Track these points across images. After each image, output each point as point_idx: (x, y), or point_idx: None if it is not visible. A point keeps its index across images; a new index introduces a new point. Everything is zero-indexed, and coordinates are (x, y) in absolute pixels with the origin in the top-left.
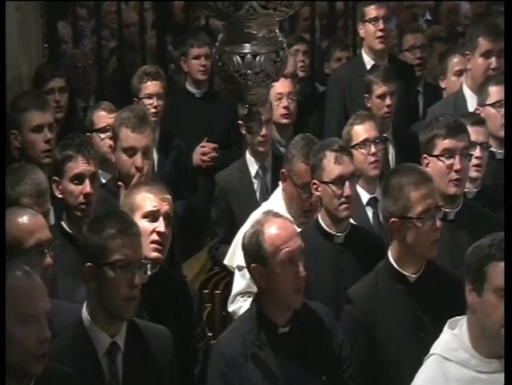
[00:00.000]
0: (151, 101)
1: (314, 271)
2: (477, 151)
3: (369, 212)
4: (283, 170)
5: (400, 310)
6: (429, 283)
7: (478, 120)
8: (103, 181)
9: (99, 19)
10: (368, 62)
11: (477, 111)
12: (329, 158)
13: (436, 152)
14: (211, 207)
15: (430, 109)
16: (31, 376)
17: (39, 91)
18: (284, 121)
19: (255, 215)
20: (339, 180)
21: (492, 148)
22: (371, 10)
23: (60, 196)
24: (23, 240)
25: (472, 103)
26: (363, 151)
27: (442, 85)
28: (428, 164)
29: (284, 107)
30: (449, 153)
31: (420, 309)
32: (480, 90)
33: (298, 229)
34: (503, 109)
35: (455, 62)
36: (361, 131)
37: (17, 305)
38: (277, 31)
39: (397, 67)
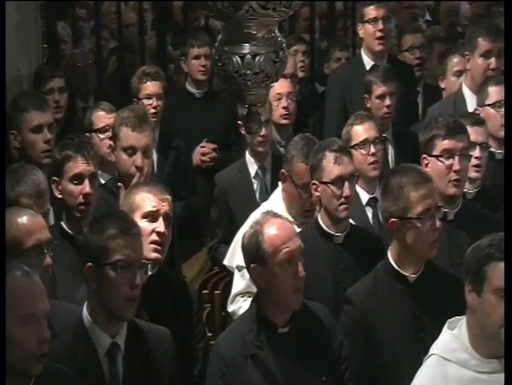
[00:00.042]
0: (150, 101)
1: (313, 271)
2: (476, 152)
3: (369, 212)
4: (283, 170)
5: (400, 310)
6: (429, 283)
7: (478, 120)
8: (103, 182)
9: (99, 19)
10: (368, 62)
11: (477, 112)
12: (328, 158)
13: (435, 153)
14: (210, 207)
15: (430, 109)
16: (30, 376)
17: (39, 92)
18: (283, 121)
19: (255, 215)
20: (339, 181)
21: (491, 149)
22: (371, 11)
23: (60, 196)
24: (23, 240)
25: (471, 104)
26: (362, 151)
27: (442, 85)
28: (427, 164)
29: (283, 108)
30: (448, 153)
31: (420, 309)
32: (479, 90)
33: (298, 229)
34: (503, 109)
35: (454, 62)
36: (361, 131)
37: (16, 305)
38: (276, 32)
39: (396, 67)
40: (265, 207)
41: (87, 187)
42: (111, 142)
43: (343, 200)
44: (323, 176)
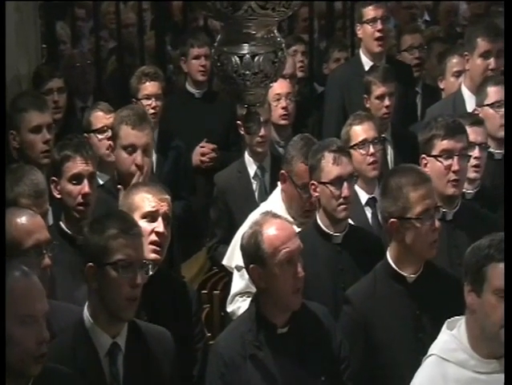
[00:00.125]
0: (149, 102)
1: (312, 271)
2: (475, 152)
3: (368, 212)
4: (283, 171)
5: (399, 310)
6: (428, 284)
7: (477, 121)
8: (101, 182)
9: (98, 20)
10: (366, 62)
11: (476, 112)
12: (327, 159)
13: (434, 153)
14: (210, 207)
15: (429, 109)
16: (29, 377)
17: (38, 92)
18: (283, 122)
19: (254, 215)
20: (338, 181)
21: (491, 149)
22: (369, 11)
23: (58, 196)
24: (22, 240)
25: (470, 104)
26: (361, 151)
27: (441, 85)
28: (426, 164)
29: (283, 108)
30: (447, 154)
31: (419, 309)
32: (478, 90)
33: (298, 229)
34: (502, 109)
35: (454, 62)
36: (360, 131)
37: (15, 305)
38: (275, 32)
39: (395, 68)
40: (264, 207)
41: (85, 187)
42: (110, 142)
43: (341, 200)
44: (321, 177)
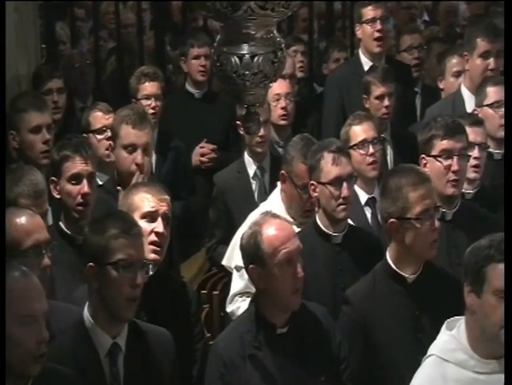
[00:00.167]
0: (149, 102)
1: (311, 272)
2: (475, 152)
3: (367, 212)
4: (283, 171)
5: (399, 310)
6: (427, 284)
7: (476, 121)
8: (100, 183)
9: (97, 20)
10: (366, 62)
11: (475, 112)
12: (327, 159)
13: (434, 153)
14: (209, 207)
15: (428, 110)
16: (29, 377)
17: (37, 92)
18: (282, 122)
19: (253, 216)
20: (337, 181)
21: (490, 149)
22: (369, 11)
23: (58, 196)
24: (21, 240)
25: (470, 104)
26: (361, 151)
27: (440, 86)
28: (426, 164)
29: (282, 108)
30: (447, 154)
31: (419, 309)
32: (478, 90)
33: (298, 229)
34: (501, 110)
35: (453, 62)
36: (359, 131)
37: (14, 305)
38: (275, 32)
39: (394, 68)
40: (263, 207)
41: (85, 187)
42: (110, 142)
43: (341, 200)
44: (321, 177)
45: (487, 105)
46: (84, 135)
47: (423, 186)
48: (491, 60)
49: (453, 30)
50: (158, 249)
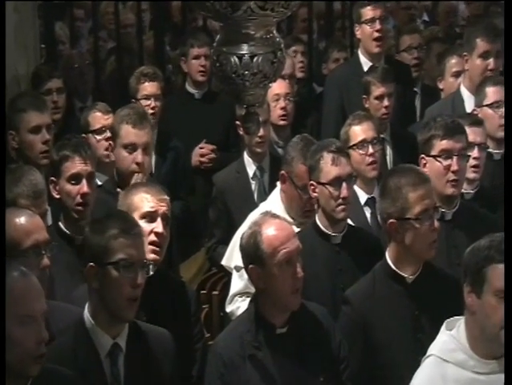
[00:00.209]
0: (148, 102)
1: (311, 272)
2: (474, 152)
3: (367, 212)
4: (283, 172)
5: (398, 310)
6: (427, 284)
7: (476, 121)
8: (99, 183)
9: (97, 20)
10: (365, 62)
11: (475, 112)
12: (326, 159)
13: (433, 153)
14: (209, 208)
15: (428, 110)
16: (28, 377)
17: (37, 92)
18: (281, 122)
19: (253, 216)
20: (336, 182)
21: (490, 149)
22: (368, 11)
23: (57, 196)
24: (20, 241)
25: (469, 104)
26: (360, 151)
27: (440, 86)
28: (425, 164)
29: (281, 108)
30: (446, 154)
31: (418, 310)
32: (477, 91)
33: (297, 229)
34: (500, 110)
35: (453, 63)
36: (359, 131)
37: (14, 306)
38: (274, 32)
39: (393, 68)
40: (263, 207)
41: (84, 187)
42: (109, 142)
43: (340, 200)
44: (320, 177)
45: (486, 105)
46: (83, 135)
47: (422, 186)
48: (491, 60)
49: (452, 30)
50: (157, 249)
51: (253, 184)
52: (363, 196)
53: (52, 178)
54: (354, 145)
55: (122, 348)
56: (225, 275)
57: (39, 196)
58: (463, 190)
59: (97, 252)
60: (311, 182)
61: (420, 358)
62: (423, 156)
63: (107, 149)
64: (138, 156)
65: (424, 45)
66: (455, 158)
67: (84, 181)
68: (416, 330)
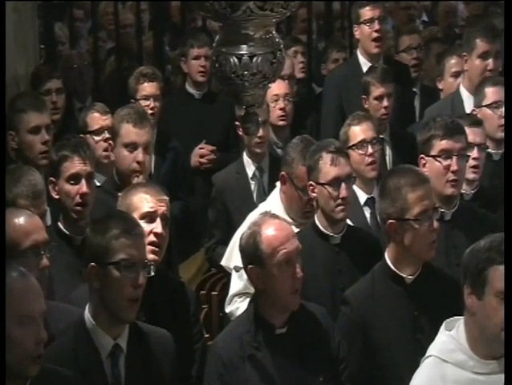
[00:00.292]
0: (147, 102)
1: (310, 272)
2: (474, 153)
3: (367, 212)
4: (283, 173)
5: (397, 311)
6: (426, 284)
7: (476, 121)
8: (98, 184)
9: (96, 20)
10: (364, 63)
11: (474, 113)
12: (325, 159)
13: (433, 153)
14: (208, 208)
15: (427, 110)
16: (27, 377)
17: (36, 92)
18: (281, 123)
19: (252, 216)
20: (335, 182)
21: (489, 150)
22: (367, 12)
23: (57, 196)
24: (20, 241)
25: (469, 104)
26: (360, 151)
27: (439, 86)
28: (425, 164)
29: (280, 109)
30: (446, 154)
31: (418, 310)
32: (476, 91)
33: (297, 230)
34: (500, 110)
35: (452, 63)
36: (358, 131)
37: (12, 306)
38: (274, 32)
39: (392, 68)
40: (262, 208)
41: (83, 187)
42: (109, 142)
43: (339, 201)
44: (319, 177)
45: (486, 105)
46: (81, 136)
47: (422, 187)
48: (490, 61)
49: (451, 30)
50: (157, 249)
51: (253, 185)
52: (362, 197)
53: (51, 178)
54: (353, 145)
55: (123, 349)
56: (225, 275)
57: (38, 197)
58: (462, 191)
59: (98, 252)
60: (310, 182)
61: (419, 358)
62: (422, 155)
63: (105, 150)
64: (139, 154)
65: (424, 45)
66: (455, 158)
67: (83, 181)
68: (416, 331)
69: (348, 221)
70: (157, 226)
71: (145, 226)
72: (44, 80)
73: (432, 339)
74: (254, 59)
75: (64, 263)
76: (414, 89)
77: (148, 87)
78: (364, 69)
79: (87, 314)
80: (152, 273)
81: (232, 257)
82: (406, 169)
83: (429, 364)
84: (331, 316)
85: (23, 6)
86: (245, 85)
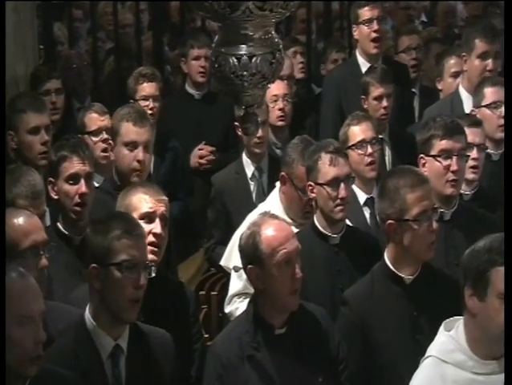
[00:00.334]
0: (147, 103)
1: (309, 272)
2: (473, 153)
3: (366, 212)
4: (283, 173)
5: (397, 311)
6: (425, 285)
7: (475, 122)
8: (96, 185)
9: (95, 21)
10: (363, 63)
11: (473, 113)
12: (324, 160)
13: (433, 153)
14: (207, 208)
15: (427, 110)
16: (26, 378)
17: (36, 93)
18: (280, 123)
19: (252, 216)
20: (334, 182)
21: (488, 150)
22: (365, 12)
23: (56, 197)
24: (19, 241)
25: (468, 105)
26: (359, 151)
27: (439, 86)
28: (424, 164)
29: (279, 109)
30: (446, 154)
31: (417, 310)
32: (475, 91)
33: (296, 230)
34: (499, 110)
35: (451, 63)
36: (358, 131)
37: (12, 306)
38: (273, 33)
39: (392, 68)
40: (262, 208)
41: (82, 187)
42: (109, 142)
43: (338, 201)
44: (318, 178)
45: (485, 106)
46: (79, 136)
47: (421, 187)
48: (489, 61)
49: (451, 30)
50: (156, 249)
51: (252, 185)
52: (362, 197)
53: (50, 178)
54: (353, 145)
55: (123, 349)
56: (224, 276)
57: (38, 197)
58: (462, 191)
59: (99, 253)
60: (309, 182)
61: (418, 358)
62: (422, 155)
63: (103, 151)
64: (139, 153)
65: (423, 46)
66: (454, 158)
67: (82, 181)
68: (415, 331)
69: (347, 221)
70: (156, 226)
71: (144, 226)
72: (43, 80)
73: (431, 339)
74: (254, 60)
75: (63, 263)
76: (413, 89)
77: (147, 88)
78: (363, 69)
79: (87, 314)
80: (153, 274)
81: (231, 257)
82: (405, 170)
83: (429, 364)
84: (331, 316)
85: (22, 6)
86: (244, 85)
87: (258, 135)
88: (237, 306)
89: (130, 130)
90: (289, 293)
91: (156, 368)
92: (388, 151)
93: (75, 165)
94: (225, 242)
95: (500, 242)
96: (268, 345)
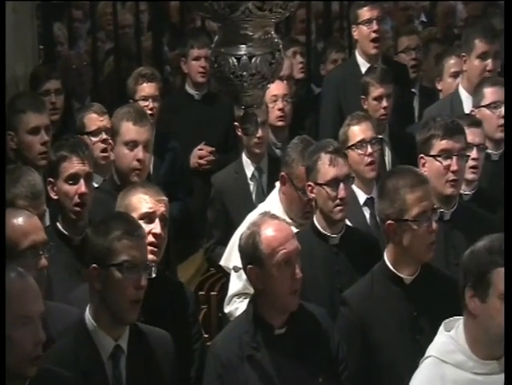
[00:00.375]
0: (146, 103)
1: (309, 273)
2: (473, 153)
3: (366, 212)
4: (283, 173)
5: (396, 312)
6: (425, 285)
7: (475, 122)
8: (96, 185)
9: (95, 21)
10: (362, 63)
11: (473, 113)
12: (324, 160)
13: (433, 153)
14: (207, 208)
15: (426, 111)
16: (25, 378)
17: (35, 93)
18: (279, 123)
19: (252, 216)
20: (334, 182)
21: (488, 150)
22: (365, 12)
23: (55, 197)
24: (18, 241)
25: (468, 105)
26: (359, 151)
27: (438, 87)
28: (424, 163)
29: (279, 110)
30: (446, 154)
31: (417, 311)
32: (475, 91)
33: (296, 230)
34: (498, 110)
35: (451, 63)
36: (358, 131)
37: (10, 306)
38: (273, 33)
39: (391, 68)
40: (262, 208)
41: (82, 187)
42: (108, 142)
43: (338, 201)
44: (318, 178)
45: (484, 106)
46: (79, 136)
47: (420, 188)
48: (489, 61)
49: (450, 31)
50: (155, 249)
51: (252, 185)
52: (362, 197)
53: (50, 178)
54: (353, 145)
55: (124, 350)
56: (224, 276)
57: (37, 197)
58: (461, 191)
59: (100, 253)
60: (309, 183)
61: (418, 359)
62: (422, 155)
63: (103, 151)
64: (139, 152)
65: (423, 46)
66: (454, 158)
67: (82, 181)
68: (415, 331)
69: (347, 222)
70: (156, 227)
71: (144, 227)
72: (43, 81)
73: (431, 340)
74: (253, 60)
75: (63, 263)
76: (413, 89)
77: (146, 88)
78: (363, 69)
79: (87, 315)
80: (154, 275)
81: (231, 257)
82: (405, 170)
83: (428, 365)
84: (330, 317)
85: (22, 7)
86: (244, 85)
87: (258, 135)
88: (236, 306)
89: (130, 129)
90: (289, 293)
91: (157, 368)
92: (387, 152)
93: (74, 165)
94: (224, 242)
95: (500, 243)
96: (268, 345)
